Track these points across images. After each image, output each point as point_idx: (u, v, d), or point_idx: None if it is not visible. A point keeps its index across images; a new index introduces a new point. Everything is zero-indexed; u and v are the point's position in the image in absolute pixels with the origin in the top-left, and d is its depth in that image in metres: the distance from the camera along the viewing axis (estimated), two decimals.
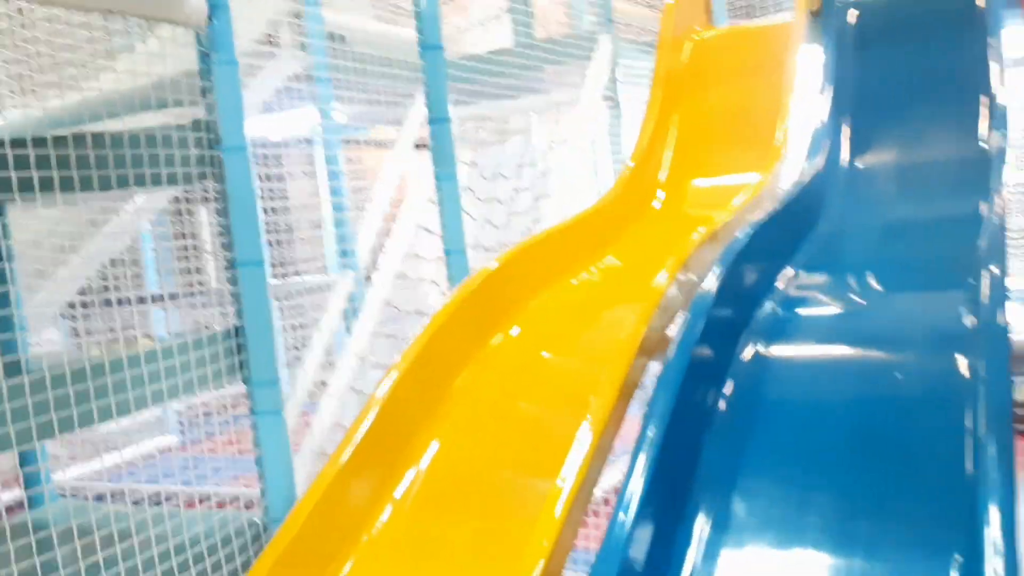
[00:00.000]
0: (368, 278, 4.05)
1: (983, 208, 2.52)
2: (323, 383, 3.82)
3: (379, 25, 4.40)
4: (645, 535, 1.79)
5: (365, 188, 4.22)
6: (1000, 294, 1.97)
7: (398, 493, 2.31)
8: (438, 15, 2.89)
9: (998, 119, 3.05)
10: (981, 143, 3.16)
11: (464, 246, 2.95)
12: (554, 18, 5.58)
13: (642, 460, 1.86)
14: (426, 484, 2.33)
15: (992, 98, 3.17)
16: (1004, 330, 1.89)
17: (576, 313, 2.85)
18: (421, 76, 2.87)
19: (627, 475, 1.85)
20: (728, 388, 2.22)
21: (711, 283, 2.32)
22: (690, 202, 3.79)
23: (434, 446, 2.42)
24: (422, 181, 4.16)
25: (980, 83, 3.31)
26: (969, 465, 1.78)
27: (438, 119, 2.87)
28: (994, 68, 3.27)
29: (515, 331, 2.76)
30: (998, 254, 2.13)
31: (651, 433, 1.92)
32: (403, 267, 4.13)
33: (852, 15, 3.96)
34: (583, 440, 2.01)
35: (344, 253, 4.18)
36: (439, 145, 2.89)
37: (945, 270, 2.59)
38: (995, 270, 2.05)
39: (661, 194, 3.82)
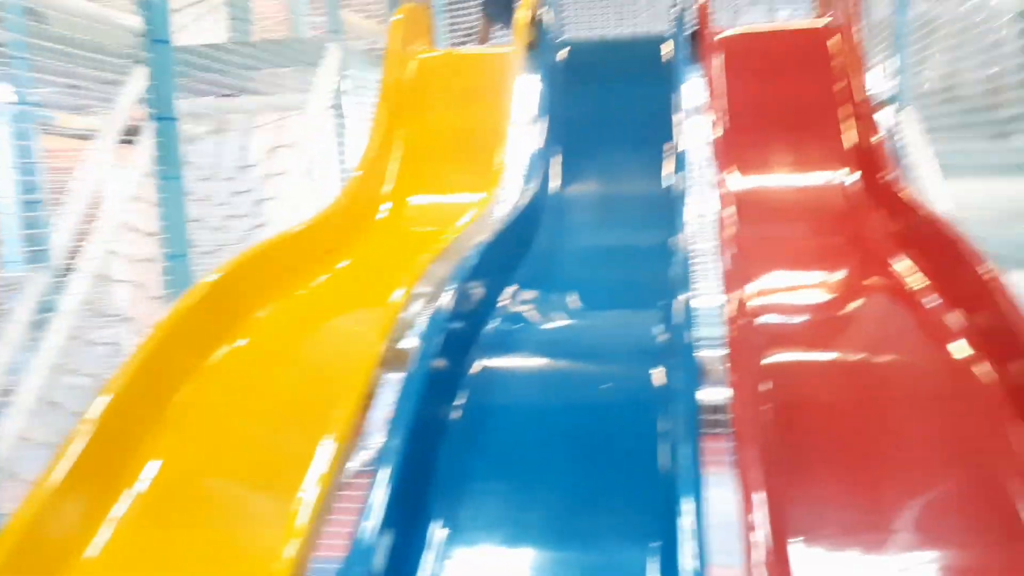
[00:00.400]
0: (63, 277, 3.71)
1: (671, 241, 2.89)
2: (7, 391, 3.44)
3: (89, 6, 4.04)
4: (387, 543, 1.87)
5: (64, 180, 3.85)
6: (689, 317, 2.31)
7: (116, 514, 2.18)
8: (167, 7, 2.75)
9: (679, 164, 3.51)
10: (667, 183, 3.63)
11: (187, 250, 2.83)
12: (273, 18, 5.46)
13: (385, 471, 1.94)
14: (148, 503, 2.22)
15: (676, 144, 3.64)
16: (691, 348, 2.22)
17: (306, 324, 2.85)
18: (136, 65, 2.71)
19: (370, 486, 1.91)
20: (460, 399, 2.37)
21: (447, 299, 2.46)
22: (415, 216, 3.92)
23: (155, 465, 2.31)
24: (128, 177, 3.90)
25: (666, 129, 3.80)
26: (666, 463, 2.06)
27: (164, 117, 2.73)
28: (676, 118, 3.77)
29: (243, 343, 2.70)
30: (685, 283, 2.49)
31: (394, 444, 2.01)
32: (104, 268, 3.83)
33: (563, 53, 4.35)
34: (325, 452, 2.04)
35: (33, 248, 3.79)
36: (164, 144, 2.75)
37: (642, 292, 2.95)
38: (683, 297, 2.39)
39: (387, 206, 3.91)
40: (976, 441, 2.12)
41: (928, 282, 2.62)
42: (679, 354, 2.22)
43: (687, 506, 1.79)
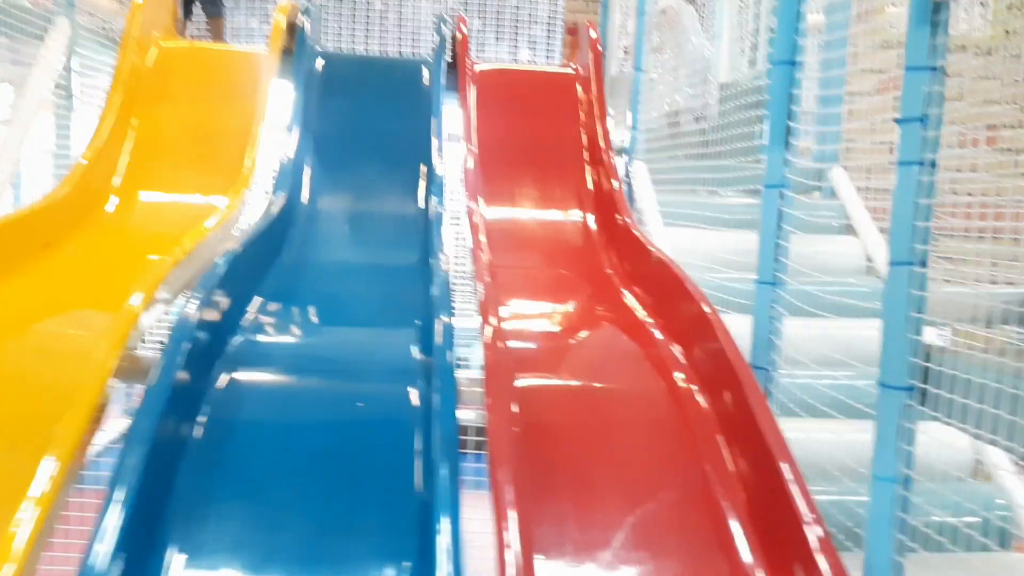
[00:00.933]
0: None
1: (430, 262, 2.93)
2: None
3: None
4: (119, 569, 1.71)
5: None
6: (450, 337, 2.36)
7: None
8: None
9: (436, 187, 3.58)
10: (422, 206, 3.68)
11: None
12: None
13: (121, 490, 1.78)
14: None
15: (432, 169, 3.71)
16: (452, 369, 2.26)
17: (24, 326, 2.54)
18: None
19: (104, 506, 1.75)
20: (203, 415, 2.23)
21: (192, 308, 2.31)
22: (147, 214, 3.64)
23: None
24: None
25: (424, 153, 3.85)
26: (420, 482, 2.08)
27: None
28: (434, 143, 3.84)
29: None
30: (447, 304, 2.53)
31: (132, 462, 1.85)
32: None
33: (320, 63, 4.27)
34: (47, 470, 1.83)
35: None
36: None
37: (396, 310, 2.96)
38: (446, 318, 2.43)
39: (116, 200, 3.59)
40: (693, 461, 2.36)
41: (653, 317, 2.88)
42: (439, 374, 2.25)
43: (444, 525, 1.82)
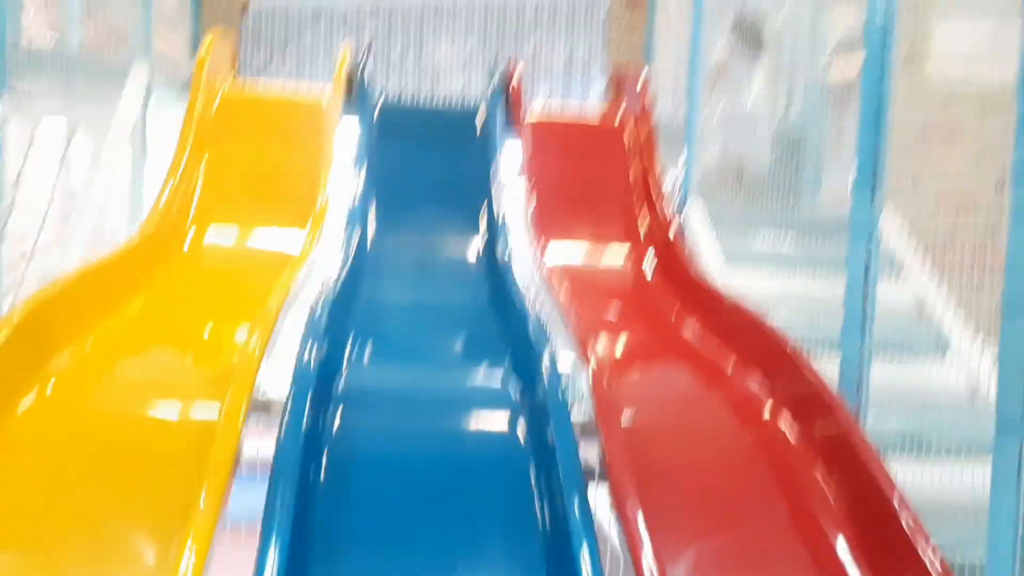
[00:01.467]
0: None
1: (517, 301, 3.01)
2: None
3: None
4: None
5: None
6: (556, 375, 2.44)
7: None
8: None
9: (502, 230, 3.67)
10: (486, 247, 3.78)
11: None
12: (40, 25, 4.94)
13: (274, 537, 1.85)
14: None
15: (495, 211, 3.80)
16: (565, 403, 2.35)
17: (143, 369, 2.61)
18: None
19: (260, 552, 1.81)
20: (325, 457, 2.30)
21: (309, 356, 2.39)
22: (220, 253, 3.70)
23: None
24: None
25: (483, 196, 3.96)
26: (548, 516, 2.16)
27: None
28: (495, 186, 3.95)
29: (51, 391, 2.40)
30: (545, 342, 2.61)
31: (280, 503, 1.92)
32: None
33: (379, 107, 4.39)
34: (200, 521, 1.87)
35: None
36: None
37: (480, 347, 3.04)
38: (548, 356, 2.52)
39: (190, 239, 3.66)
40: (792, 488, 2.44)
41: (733, 356, 2.98)
42: (553, 410, 2.33)
43: (584, 554, 1.90)
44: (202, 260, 3.58)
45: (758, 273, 3.92)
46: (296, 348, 2.43)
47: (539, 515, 2.20)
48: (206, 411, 2.34)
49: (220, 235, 3.74)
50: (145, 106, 3.73)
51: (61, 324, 2.58)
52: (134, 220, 3.73)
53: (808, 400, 2.58)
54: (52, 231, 3.24)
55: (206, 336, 2.94)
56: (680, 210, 4.13)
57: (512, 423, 2.52)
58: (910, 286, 3.93)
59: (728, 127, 4.72)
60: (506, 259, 3.48)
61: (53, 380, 2.41)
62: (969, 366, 3.43)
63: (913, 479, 2.43)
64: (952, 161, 4.23)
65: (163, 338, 2.88)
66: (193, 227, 3.68)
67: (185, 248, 3.60)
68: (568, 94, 8.04)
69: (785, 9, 5.14)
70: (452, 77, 9.95)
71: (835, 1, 4.33)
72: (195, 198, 3.79)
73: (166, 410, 2.48)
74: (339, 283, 3.06)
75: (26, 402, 2.33)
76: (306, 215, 3.74)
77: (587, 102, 7.12)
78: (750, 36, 5.57)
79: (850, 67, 5.33)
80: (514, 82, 4.44)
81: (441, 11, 9.39)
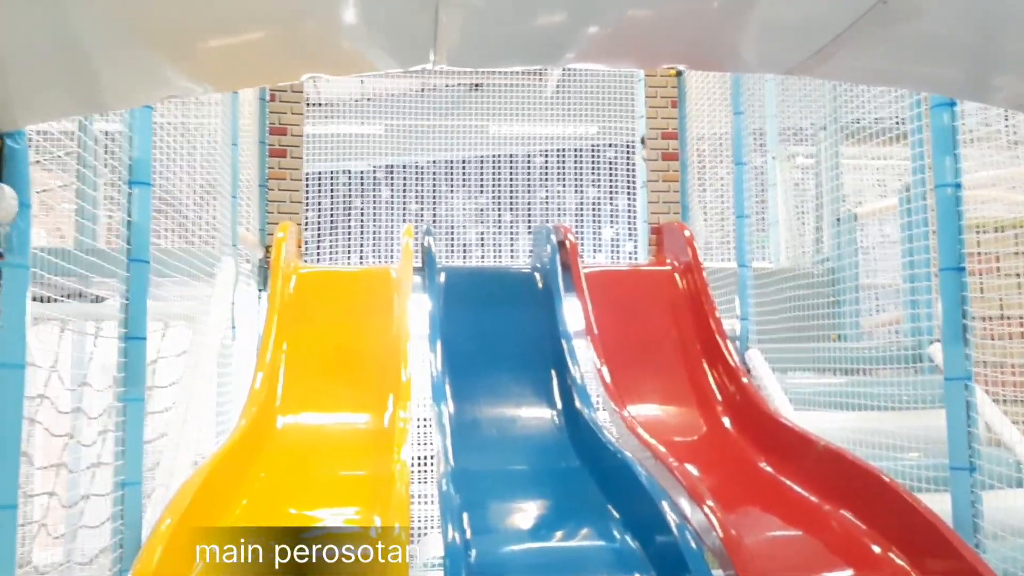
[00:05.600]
0: None
1: (616, 455, 3.14)
2: None
3: None
4: None
5: None
6: (684, 525, 2.55)
7: None
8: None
9: (580, 391, 3.83)
10: (558, 405, 3.92)
11: (141, 477, 2.59)
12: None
13: None
14: None
15: (569, 373, 3.96)
16: (701, 553, 2.44)
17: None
18: None
19: None
20: None
21: (454, 537, 2.50)
22: (308, 430, 3.81)
23: None
24: None
25: (550, 353, 4.13)
26: None
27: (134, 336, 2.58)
28: (564, 345, 4.13)
29: None
30: (662, 493, 2.73)
31: None
32: None
33: (443, 276, 4.61)
34: None
35: None
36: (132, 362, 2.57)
37: (583, 509, 3.14)
38: (669, 508, 2.63)
39: (281, 420, 3.78)
40: None
41: (837, 492, 3.08)
42: (691, 560, 2.43)
43: None
44: (292, 439, 3.68)
45: (817, 412, 4.05)
46: None
47: None
48: None
49: (306, 414, 3.86)
50: (234, 294, 3.93)
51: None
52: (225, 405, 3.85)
53: (921, 535, 2.69)
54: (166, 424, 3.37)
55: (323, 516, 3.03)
56: (743, 356, 4.31)
57: None
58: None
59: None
60: (592, 416, 3.62)
61: None
62: None
63: None
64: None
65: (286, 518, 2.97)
66: (280, 408, 3.81)
67: (278, 426, 3.72)
68: (583, 238, 8.41)
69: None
70: (467, 229, 10.38)
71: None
72: (279, 379, 3.94)
73: None
74: (449, 454, 3.17)
75: None
76: (387, 385, 3.89)
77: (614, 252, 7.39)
78: None
79: (872, 202, 5.67)
80: (568, 242, 4.69)
81: (452, 166, 9.88)
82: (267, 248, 4.62)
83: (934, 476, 3.12)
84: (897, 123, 4.18)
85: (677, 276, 4.74)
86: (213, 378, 3.61)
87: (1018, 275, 3.95)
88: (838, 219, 5.14)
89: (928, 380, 4.35)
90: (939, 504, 2.85)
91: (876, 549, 2.84)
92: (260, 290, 4.64)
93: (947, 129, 2.74)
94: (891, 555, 2.79)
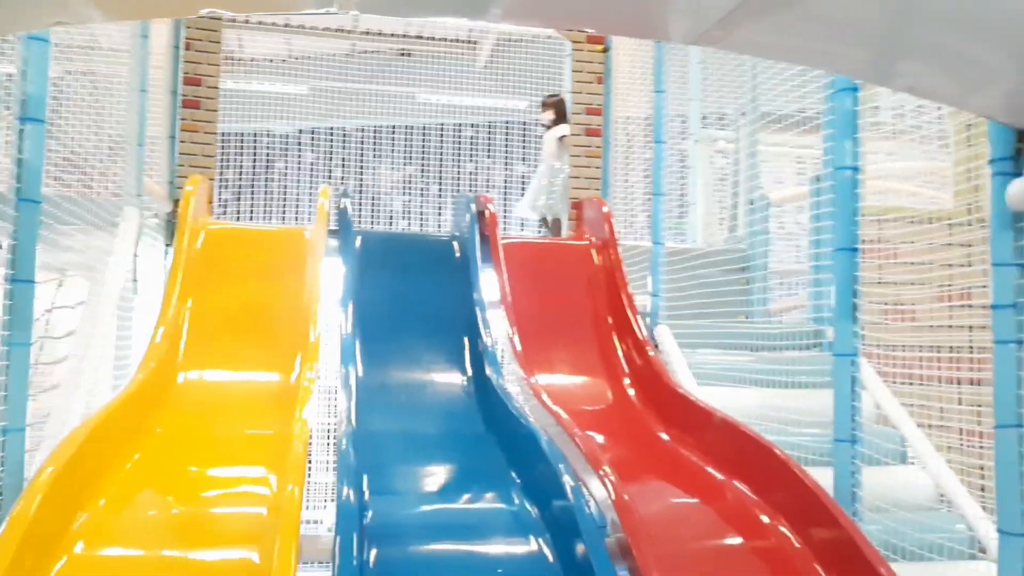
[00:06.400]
0: None
1: (522, 422, 3.16)
2: None
3: None
4: None
5: None
6: (579, 491, 2.59)
7: None
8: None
9: (491, 358, 3.84)
10: (469, 372, 3.93)
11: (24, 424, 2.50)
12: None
13: None
14: None
15: (481, 340, 3.97)
16: (592, 518, 2.50)
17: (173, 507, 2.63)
18: None
19: None
20: None
21: (348, 494, 2.49)
22: (211, 387, 3.73)
23: None
24: None
25: (464, 321, 4.13)
26: None
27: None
28: (478, 313, 4.13)
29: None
30: (560, 459, 2.77)
31: None
32: None
33: (358, 240, 4.56)
34: None
35: None
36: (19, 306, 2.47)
37: (485, 474, 3.16)
38: (567, 475, 2.66)
39: (183, 375, 3.69)
40: None
41: (731, 464, 3.17)
42: (583, 524, 2.47)
43: None
44: (193, 396, 3.59)
45: (723, 388, 4.15)
46: None
47: None
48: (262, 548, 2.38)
49: (208, 371, 3.77)
50: (136, 247, 3.81)
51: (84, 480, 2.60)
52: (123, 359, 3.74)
53: (807, 507, 2.79)
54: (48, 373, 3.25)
55: (225, 476, 2.98)
56: (651, 332, 4.38)
57: (538, 541, 2.64)
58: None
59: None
60: (501, 383, 3.63)
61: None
62: (932, 471, 3.69)
63: None
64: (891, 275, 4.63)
65: (181, 474, 2.91)
66: (182, 364, 3.72)
67: (179, 381, 3.63)
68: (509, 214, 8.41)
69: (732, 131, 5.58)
70: (393, 199, 10.27)
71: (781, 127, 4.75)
72: (182, 336, 3.84)
73: (209, 553, 2.51)
74: (352, 415, 3.15)
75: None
76: (295, 345, 3.83)
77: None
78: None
79: (786, 188, 5.81)
80: (488, 212, 4.68)
81: (380, 133, 9.76)
82: (176, 202, 4.48)
83: (826, 449, 3.23)
84: (817, 114, 4.29)
85: (594, 251, 4.78)
86: (112, 331, 3.50)
87: (914, 264, 4.11)
88: (751, 203, 5.26)
89: (827, 359, 4.51)
90: (826, 478, 2.95)
91: (765, 519, 2.92)
92: (167, 245, 4.50)
93: (849, 113, 2.83)
94: (779, 525, 2.88)
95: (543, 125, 6.48)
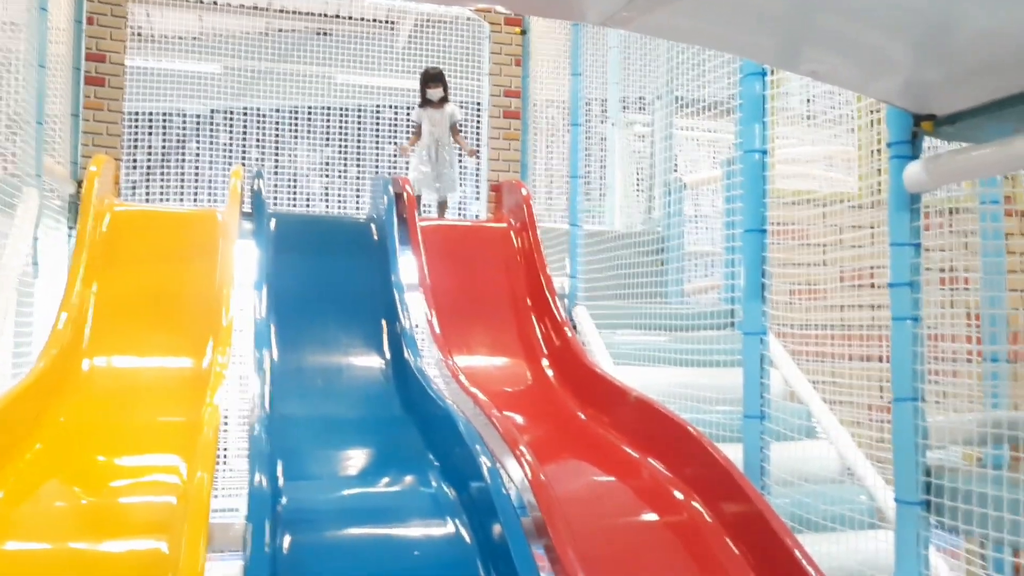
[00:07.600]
0: None
1: (439, 404, 3.15)
2: None
3: None
4: None
5: None
6: (497, 475, 2.59)
7: None
8: None
9: (409, 341, 3.81)
10: (388, 355, 3.89)
11: None
12: None
13: None
14: None
15: (399, 323, 3.94)
16: (509, 498, 2.50)
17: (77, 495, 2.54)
18: None
19: None
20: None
21: (260, 481, 2.44)
22: (118, 373, 3.61)
23: None
24: None
25: (381, 303, 4.09)
26: None
27: None
28: (396, 296, 4.09)
29: None
30: (476, 440, 2.77)
31: None
32: None
33: (273, 223, 4.47)
34: None
35: None
36: None
37: (402, 457, 3.14)
38: (484, 456, 2.67)
39: (87, 362, 3.56)
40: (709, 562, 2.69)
41: (647, 442, 3.23)
42: (499, 505, 2.48)
43: None
44: (99, 382, 3.48)
45: (640, 368, 4.22)
46: None
47: None
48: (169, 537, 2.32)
49: (115, 357, 3.66)
50: (36, 230, 3.65)
51: None
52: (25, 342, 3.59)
53: (718, 482, 2.86)
54: None
55: (134, 464, 2.89)
56: (570, 313, 4.42)
57: (455, 523, 2.64)
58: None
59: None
60: (419, 365, 3.62)
61: None
62: (837, 445, 3.83)
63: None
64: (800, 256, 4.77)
65: (84, 462, 2.82)
66: (87, 350, 3.59)
67: (84, 368, 3.51)
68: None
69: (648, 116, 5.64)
70: (311, 181, 10.08)
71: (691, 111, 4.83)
72: (87, 321, 3.71)
73: (117, 544, 2.43)
74: (265, 400, 3.09)
75: None
76: (208, 331, 3.74)
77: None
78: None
79: (701, 172, 5.93)
80: (406, 194, 4.65)
81: (297, 114, 9.54)
82: (79, 183, 4.31)
83: (737, 426, 3.31)
84: (729, 98, 4.38)
85: (513, 234, 4.80)
86: (10, 317, 3.35)
87: (823, 246, 4.24)
88: (667, 186, 5.34)
89: (740, 338, 4.63)
90: (737, 453, 3.03)
91: (678, 495, 2.98)
92: (71, 228, 4.33)
93: (758, 98, 2.89)
94: (691, 501, 2.94)
95: (429, 101, 5.54)
